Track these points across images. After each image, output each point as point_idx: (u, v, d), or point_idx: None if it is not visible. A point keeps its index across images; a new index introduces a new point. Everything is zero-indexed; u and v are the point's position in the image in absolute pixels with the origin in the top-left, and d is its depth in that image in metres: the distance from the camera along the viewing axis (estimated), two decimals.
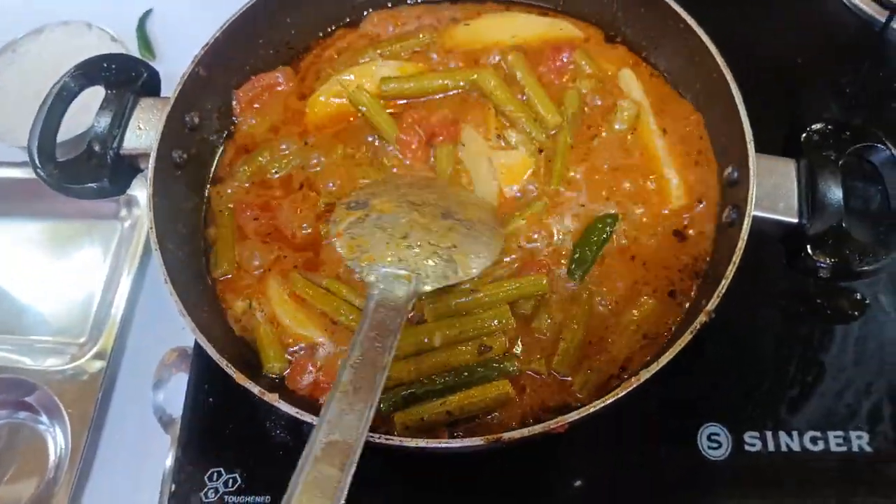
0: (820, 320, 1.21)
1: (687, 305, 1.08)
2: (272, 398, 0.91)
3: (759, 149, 1.04)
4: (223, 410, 1.16)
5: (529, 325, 1.06)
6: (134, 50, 1.58)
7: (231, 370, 0.93)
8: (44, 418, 1.24)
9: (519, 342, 1.06)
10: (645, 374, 0.90)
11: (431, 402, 0.99)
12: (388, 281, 0.96)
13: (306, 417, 0.90)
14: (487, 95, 1.20)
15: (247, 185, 1.19)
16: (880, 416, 1.12)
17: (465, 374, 1.01)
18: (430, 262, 0.99)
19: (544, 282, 1.06)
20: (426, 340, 1.02)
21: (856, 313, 1.22)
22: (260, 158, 1.20)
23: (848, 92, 1.41)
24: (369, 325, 0.90)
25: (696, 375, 1.16)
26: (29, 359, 1.29)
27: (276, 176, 1.19)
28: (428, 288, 0.97)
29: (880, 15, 1.46)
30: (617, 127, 1.18)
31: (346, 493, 0.75)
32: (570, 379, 1.03)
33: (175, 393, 1.20)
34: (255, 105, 1.24)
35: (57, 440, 1.22)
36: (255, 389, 0.92)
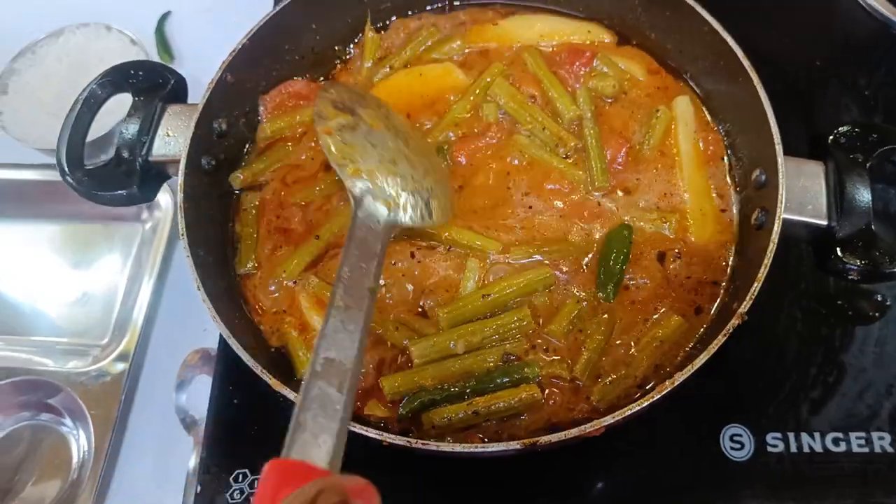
0: (841, 322, 1.22)
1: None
2: None
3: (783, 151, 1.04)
4: (248, 411, 1.16)
5: (549, 328, 1.05)
6: (152, 51, 1.58)
7: (266, 377, 0.93)
8: (67, 420, 1.24)
9: (539, 348, 1.05)
10: (680, 377, 0.90)
11: (458, 404, 0.99)
12: (371, 201, 0.95)
13: None
14: (503, 106, 1.21)
15: (273, 183, 1.19)
16: None
17: (487, 380, 1.01)
18: (412, 198, 0.98)
19: (547, 273, 1.06)
20: (452, 346, 1.02)
21: (877, 315, 1.22)
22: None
23: (867, 94, 1.41)
24: (354, 242, 0.89)
25: (718, 377, 1.15)
26: (52, 361, 1.29)
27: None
28: (406, 222, 0.97)
29: None
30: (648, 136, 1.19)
31: (348, 417, 0.75)
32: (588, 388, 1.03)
33: (197, 394, 1.21)
34: (281, 111, 1.23)
35: (80, 442, 1.22)
36: (292, 395, 0.92)
